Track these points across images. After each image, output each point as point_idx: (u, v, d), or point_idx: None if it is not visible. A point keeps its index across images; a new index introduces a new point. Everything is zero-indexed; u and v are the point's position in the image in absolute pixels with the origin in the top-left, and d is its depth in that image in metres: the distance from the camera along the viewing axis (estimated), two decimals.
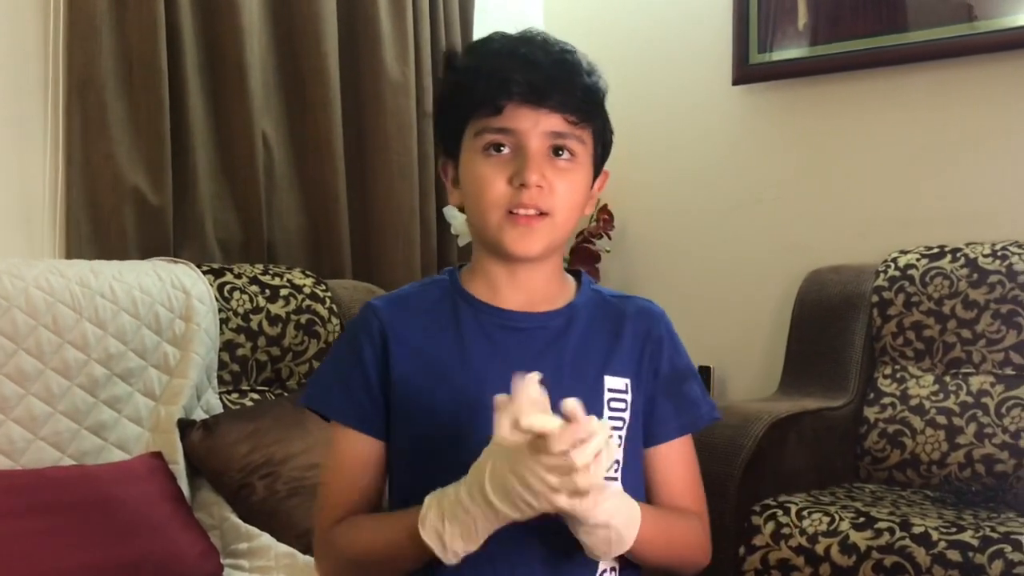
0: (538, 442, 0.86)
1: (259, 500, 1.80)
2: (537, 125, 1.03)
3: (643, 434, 1.11)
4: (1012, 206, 2.47)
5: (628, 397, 1.08)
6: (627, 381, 1.09)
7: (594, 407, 1.05)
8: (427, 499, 0.94)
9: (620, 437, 1.07)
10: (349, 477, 1.08)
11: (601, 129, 1.09)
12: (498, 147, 1.03)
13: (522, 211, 1.03)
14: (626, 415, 1.08)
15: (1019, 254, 2.30)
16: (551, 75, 1.03)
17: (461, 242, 2.75)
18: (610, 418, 1.07)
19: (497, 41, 1.08)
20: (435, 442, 1.04)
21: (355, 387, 1.07)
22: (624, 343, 1.10)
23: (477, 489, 0.90)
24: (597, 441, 0.87)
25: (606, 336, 1.10)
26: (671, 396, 1.12)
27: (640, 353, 1.11)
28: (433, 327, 1.08)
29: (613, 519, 0.94)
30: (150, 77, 2.14)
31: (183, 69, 2.23)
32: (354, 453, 1.08)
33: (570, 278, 1.15)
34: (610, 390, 1.08)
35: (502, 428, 0.88)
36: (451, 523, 0.91)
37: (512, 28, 1.12)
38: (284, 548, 1.67)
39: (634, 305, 1.14)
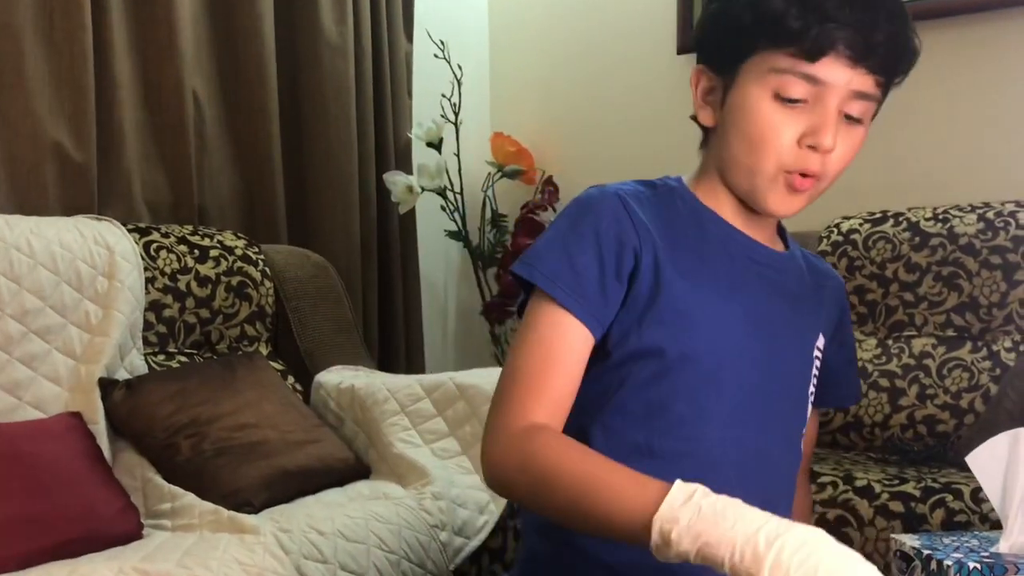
0: None
1: (184, 460, 1.72)
2: (850, 84, 0.90)
3: (824, 395, 1.08)
4: (953, 171, 2.48)
5: (821, 356, 1.06)
6: (824, 342, 1.05)
7: (808, 365, 1.03)
8: (687, 500, 0.76)
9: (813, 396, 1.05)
10: (562, 368, 0.91)
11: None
12: (793, 97, 0.90)
13: (800, 175, 0.92)
14: (816, 373, 1.05)
15: (960, 217, 2.30)
16: (885, 30, 0.89)
17: (402, 210, 2.69)
18: (813, 375, 1.04)
19: None
20: (654, 363, 0.93)
21: (590, 271, 0.92)
22: (825, 302, 1.07)
23: (751, 550, 0.71)
24: None
25: (813, 290, 1.05)
26: (851, 366, 1.14)
27: (837, 318, 1.09)
28: (675, 238, 0.96)
29: None
30: (72, 28, 2.04)
31: (108, 22, 2.13)
32: (571, 343, 0.91)
33: None
34: (817, 347, 1.04)
35: None
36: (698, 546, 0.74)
37: None
38: (208, 506, 1.60)
39: (827, 268, 1.11)
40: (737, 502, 0.75)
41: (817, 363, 1.05)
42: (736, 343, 0.96)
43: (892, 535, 1.06)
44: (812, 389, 1.05)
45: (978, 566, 0.94)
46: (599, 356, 0.95)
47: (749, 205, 0.98)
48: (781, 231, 1.07)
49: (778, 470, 1.01)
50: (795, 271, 1.04)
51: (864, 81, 0.91)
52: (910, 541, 1.03)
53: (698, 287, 0.95)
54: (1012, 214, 2.24)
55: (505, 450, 0.89)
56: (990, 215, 2.26)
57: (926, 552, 0.99)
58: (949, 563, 0.95)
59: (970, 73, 2.47)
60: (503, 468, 0.89)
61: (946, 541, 1.03)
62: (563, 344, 0.91)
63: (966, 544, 1.01)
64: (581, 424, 0.95)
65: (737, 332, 0.96)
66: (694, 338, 0.94)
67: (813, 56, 0.89)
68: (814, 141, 0.90)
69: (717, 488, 0.83)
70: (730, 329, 0.96)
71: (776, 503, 0.98)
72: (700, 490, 0.76)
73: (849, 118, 0.93)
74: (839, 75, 0.90)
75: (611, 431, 0.95)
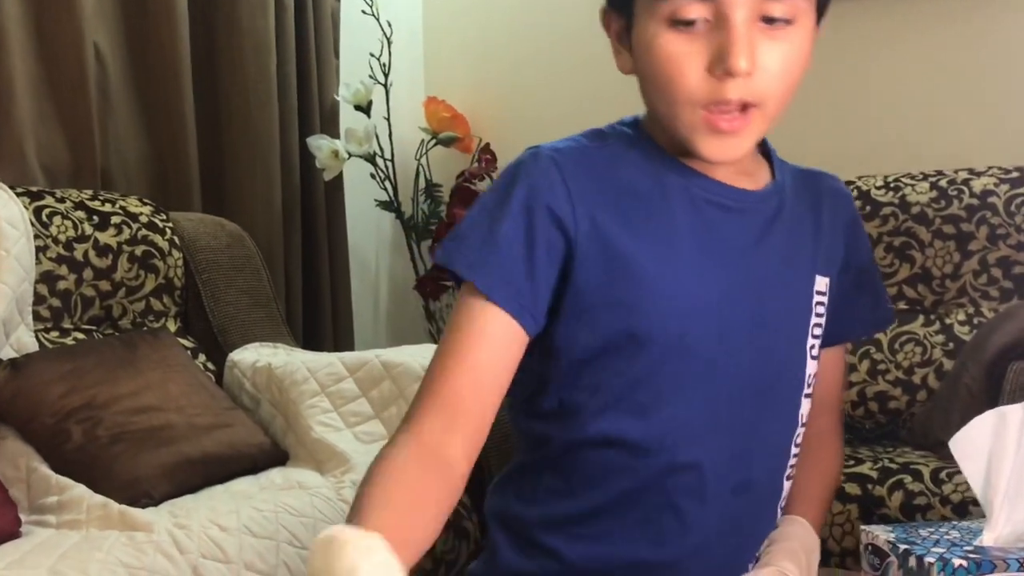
0: None
1: (75, 448, 1.55)
2: None
3: (832, 331, 0.93)
4: (905, 138, 2.40)
5: (827, 298, 0.91)
6: (828, 280, 0.91)
7: (803, 314, 0.88)
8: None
9: (818, 346, 0.90)
10: (482, 366, 0.79)
11: None
12: (688, 18, 0.77)
13: (724, 109, 0.78)
14: (824, 320, 0.91)
15: (912, 185, 2.20)
16: None
17: (327, 176, 2.52)
18: (815, 325, 0.89)
19: None
20: (617, 349, 0.81)
21: (515, 257, 0.79)
22: (825, 231, 0.91)
23: None
24: None
25: (810, 223, 0.90)
26: (867, 289, 0.97)
27: (843, 243, 0.93)
28: (632, 200, 0.82)
29: None
30: None
31: None
32: (490, 337, 0.79)
33: None
34: (818, 292, 0.90)
35: None
36: None
37: None
38: (98, 499, 1.43)
39: (826, 184, 0.94)
40: None
41: (823, 307, 0.90)
42: (713, 317, 0.83)
43: (863, 527, 0.94)
44: (812, 342, 0.90)
45: (964, 563, 0.82)
46: (551, 358, 0.84)
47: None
48: (768, 153, 0.92)
49: (769, 498, 0.90)
50: (784, 205, 0.88)
51: None
52: (884, 534, 0.91)
53: (663, 257, 0.82)
54: (966, 182, 2.16)
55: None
56: (943, 183, 2.18)
57: (903, 547, 0.87)
58: (931, 559, 0.83)
59: (921, 40, 2.39)
60: None
61: (923, 533, 0.91)
62: (480, 340, 0.79)
63: (946, 536, 0.90)
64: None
65: (714, 303, 0.83)
66: (664, 318, 0.81)
67: None
68: (723, 66, 0.76)
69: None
70: (706, 302, 0.82)
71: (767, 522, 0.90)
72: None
73: (772, 22, 0.77)
74: None
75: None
